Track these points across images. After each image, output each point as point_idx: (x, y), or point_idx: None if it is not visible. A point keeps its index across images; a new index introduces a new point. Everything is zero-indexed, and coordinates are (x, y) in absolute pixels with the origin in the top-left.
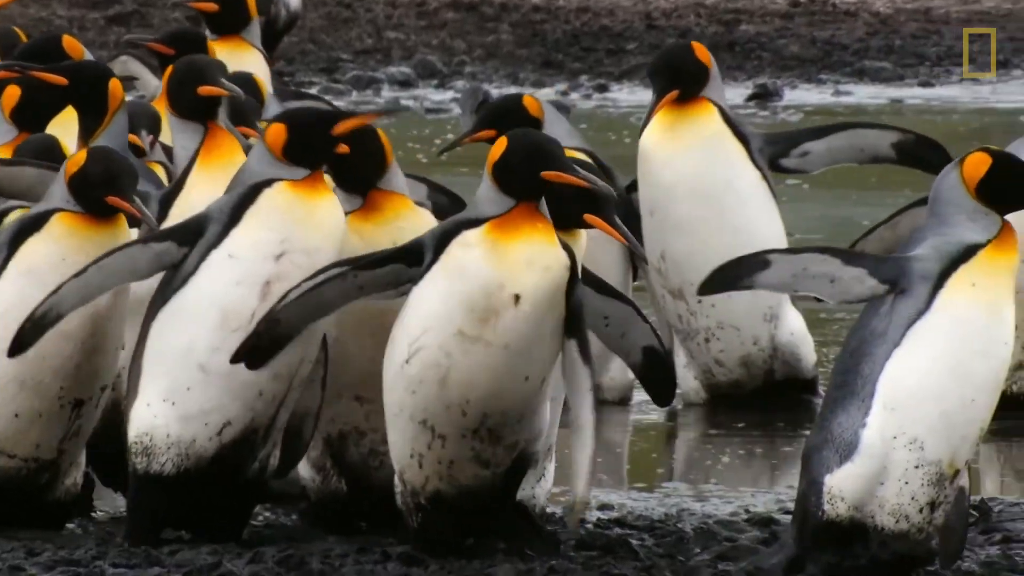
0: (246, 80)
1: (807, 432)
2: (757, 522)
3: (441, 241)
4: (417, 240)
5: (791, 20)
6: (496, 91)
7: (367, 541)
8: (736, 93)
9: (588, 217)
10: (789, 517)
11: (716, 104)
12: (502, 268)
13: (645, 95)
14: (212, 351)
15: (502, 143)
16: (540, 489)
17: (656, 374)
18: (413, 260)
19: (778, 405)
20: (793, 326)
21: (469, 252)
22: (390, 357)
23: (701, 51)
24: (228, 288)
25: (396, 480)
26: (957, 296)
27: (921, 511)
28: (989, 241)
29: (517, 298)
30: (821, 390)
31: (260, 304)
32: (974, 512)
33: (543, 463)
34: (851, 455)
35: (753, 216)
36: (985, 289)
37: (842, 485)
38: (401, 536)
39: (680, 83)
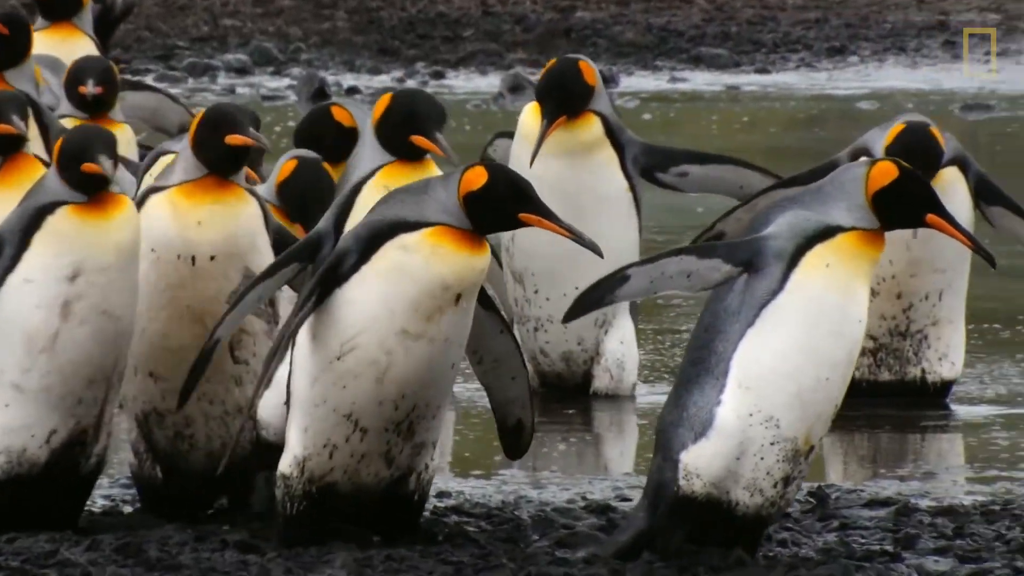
0: (104, 69)
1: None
2: (594, 509)
3: (370, 243)
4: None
5: (627, 7)
6: (332, 78)
7: (204, 530)
8: None
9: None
10: (626, 504)
11: (600, 115)
12: (449, 272)
13: (482, 82)
14: (23, 372)
15: (480, 173)
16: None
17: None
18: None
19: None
20: (624, 336)
21: (412, 256)
22: (313, 352)
23: (587, 71)
24: (29, 311)
25: (287, 465)
26: (810, 276)
27: (775, 486)
28: (854, 229)
29: (459, 297)
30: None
31: (62, 324)
32: (811, 499)
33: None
34: (706, 432)
35: (608, 223)
36: (839, 269)
37: (698, 463)
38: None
39: (568, 108)
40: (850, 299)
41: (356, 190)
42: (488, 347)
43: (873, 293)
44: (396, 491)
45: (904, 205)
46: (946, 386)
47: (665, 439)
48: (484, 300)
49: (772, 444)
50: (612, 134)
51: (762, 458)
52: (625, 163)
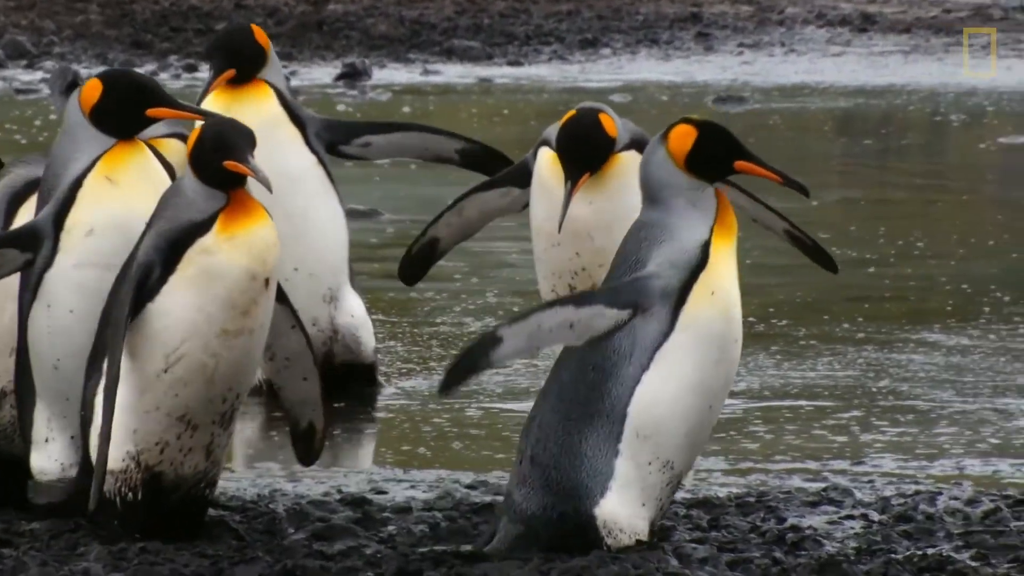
0: None
1: (382, 415)
2: (350, 502)
3: (171, 253)
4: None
5: (379, 0)
6: (86, 71)
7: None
8: (324, 72)
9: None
10: (382, 496)
11: (274, 87)
12: (252, 260)
13: None
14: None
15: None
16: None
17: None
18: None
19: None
20: (353, 309)
21: (215, 257)
22: (136, 367)
23: (260, 34)
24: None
25: (120, 458)
26: (699, 310)
27: (662, 508)
28: (712, 228)
29: (267, 282)
30: (380, 378)
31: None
32: None
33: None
34: (610, 485)
35: (305, 201)
36: (721, 294)
37: (617, 519)
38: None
39: (237, 63)
40: (731, 322)
41: (77, 184)
42: (281, 344)
43: (570, 289)
44: (200, 487)
45: (713, 159)
46: None
47: (561, 483)
48: (278, 294)
49: (667, 484)
50: (289, 109)
51: (659, 498)
52: (308, 139)
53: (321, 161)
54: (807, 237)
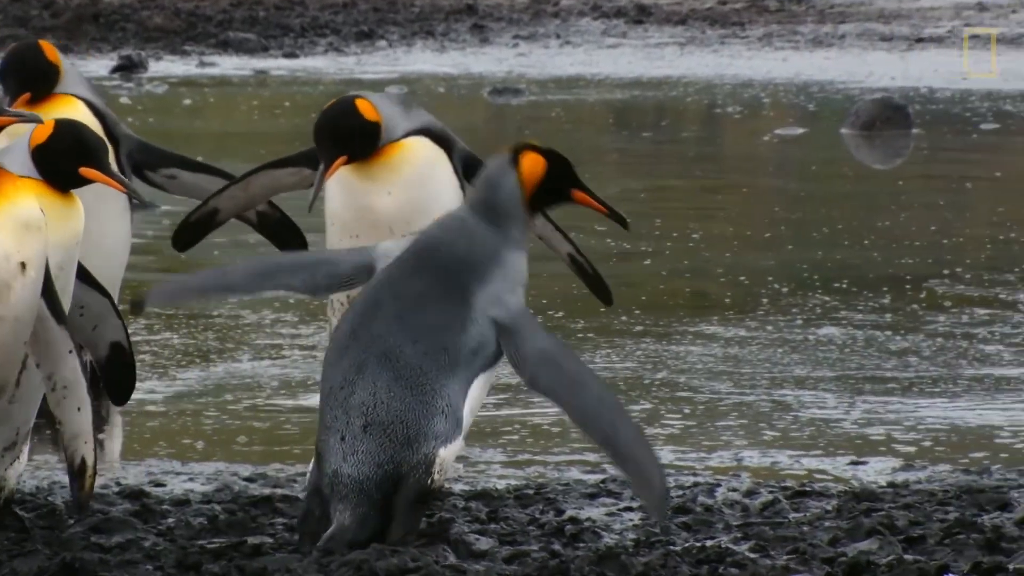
0: None
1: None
2: (128, 495)
3: None
4: None
5: None
6: None
7: None
8: (101, 65)
9: (84, 171)
10: (160, 489)
11: (85, 100)
12: (6, 236)
13: None
14: None
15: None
16: (12, 471)
17: (117, 373)
18: None
19: None
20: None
21: None
22: None
23: (49, 49)
24: None
25: None
26: None
27: None
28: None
29: (23, 266)
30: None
31: None
32: None
33: (20, 446)
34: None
35: (100, 226)
36: None
37: (450, 457)
38: None
39: (30, 85)
40: None
41: None
42: (59, 371)
43: None
44: None
45: (557, 190)
46: None
47: (407, 434)
48: (58, 316)
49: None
50: (106, 125)
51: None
52: (120, 158)
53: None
54: (589, 265)
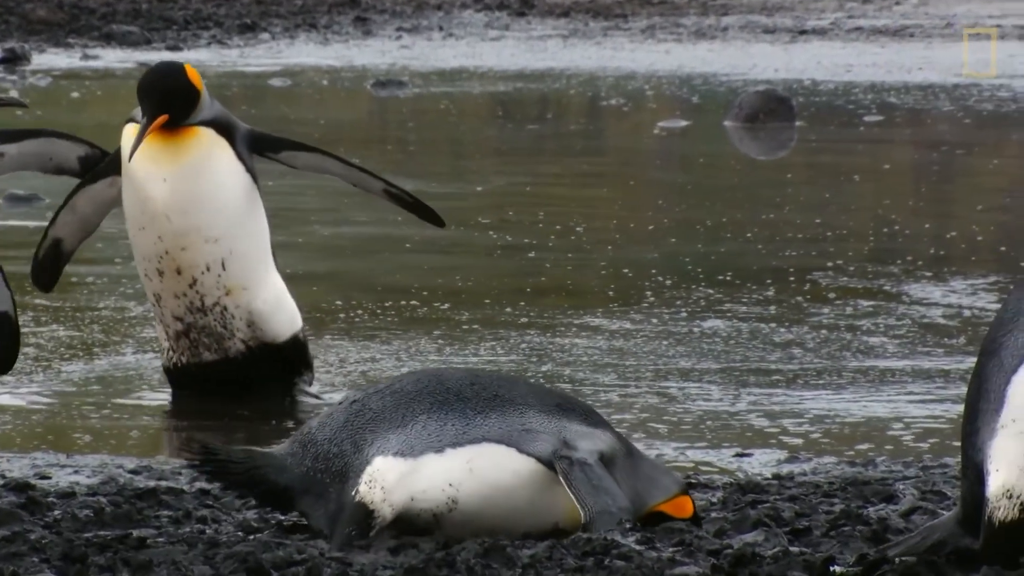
0: None
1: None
2: (13, 487)
3: None
4: None
5: None
6: None
7: None
8: None
9: None
10: (45, 482)
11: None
12: None
13: None
14: None
15: None
16: None
17: (3, 341)
18: None
19: None
20: None
21: None
22: None
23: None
24: None
25: None
26: None
27: None
28: None
29: None
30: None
31: None
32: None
33: None
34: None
35: None
36: None
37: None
38: None
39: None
40: None
41: None
42: None
43: (159, 273)
44: None
45: None
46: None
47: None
48: None
49: None
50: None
51: None
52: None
53: None
54: (406, 194)
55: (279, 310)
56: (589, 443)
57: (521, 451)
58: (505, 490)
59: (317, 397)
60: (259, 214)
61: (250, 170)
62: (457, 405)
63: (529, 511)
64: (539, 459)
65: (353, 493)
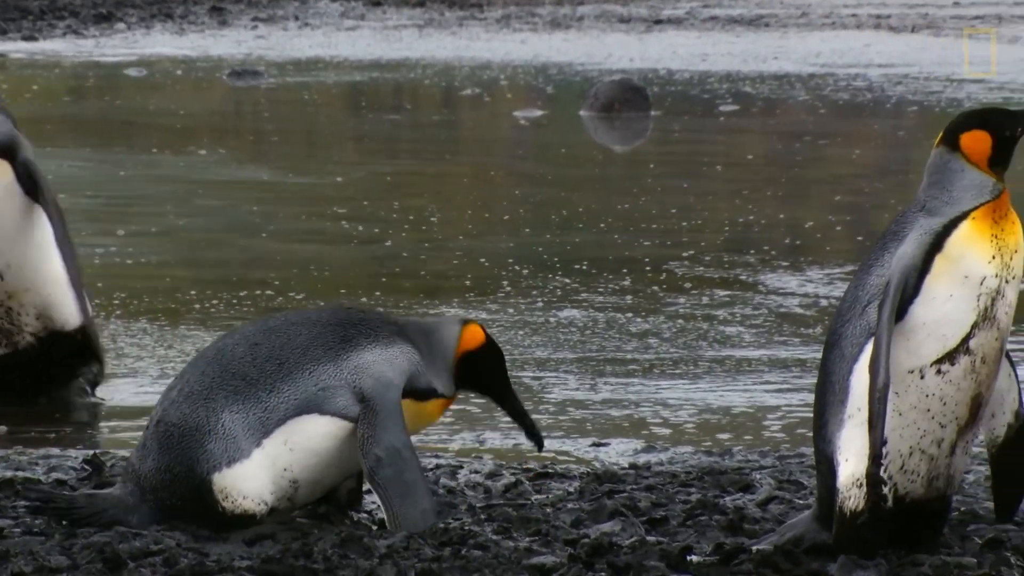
0: None
1: None
2: None
3: None
4: None
5: None
6: None
7: None
8: None
9: None
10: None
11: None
12: None
13: None
14: None
15: None
16: None
17: None
18: None
19: None
20: None
21: None
22: None
23: None
24: None
25: None
26: None
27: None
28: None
29: None
30: None
31: None
32: (86, 467)
33: None
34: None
35: None
36: None
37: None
38: None
39: None
40: None
41: None
42: None
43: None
44: None
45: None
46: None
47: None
48: None
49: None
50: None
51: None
52: None
53: None
54: None
55: (66, 298)
56: (382, 382)
57: (323, 413)
58: (326, 452)
59: (93, 395)
60: (36, 219)
61: (28, 190)
62: (249, 392)
63: (353, 457)
64: (344, 417)
65: (221, 511)
